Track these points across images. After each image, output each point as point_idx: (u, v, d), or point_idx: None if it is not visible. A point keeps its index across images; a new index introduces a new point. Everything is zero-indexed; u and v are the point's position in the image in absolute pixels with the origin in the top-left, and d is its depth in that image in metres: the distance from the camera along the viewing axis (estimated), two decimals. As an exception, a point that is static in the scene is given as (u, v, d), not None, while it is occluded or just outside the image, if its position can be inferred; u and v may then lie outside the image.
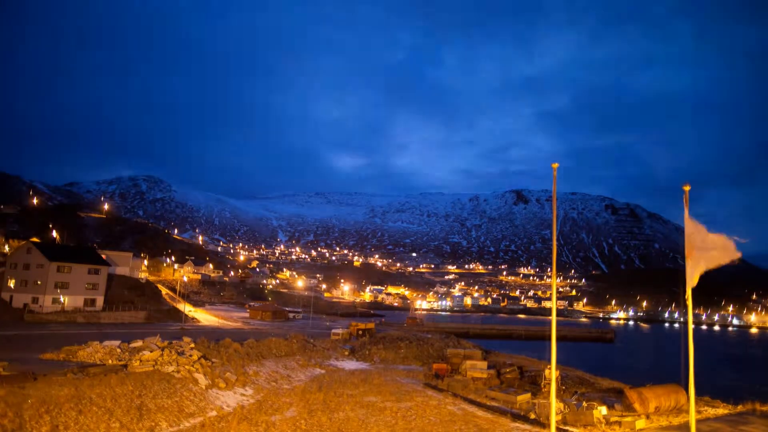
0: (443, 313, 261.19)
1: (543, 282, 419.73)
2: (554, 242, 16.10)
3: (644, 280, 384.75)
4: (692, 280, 11.98)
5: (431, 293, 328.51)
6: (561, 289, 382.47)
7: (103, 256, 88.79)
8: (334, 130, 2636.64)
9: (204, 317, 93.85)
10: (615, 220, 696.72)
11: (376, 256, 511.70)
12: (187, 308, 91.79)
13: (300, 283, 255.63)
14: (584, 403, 32.25)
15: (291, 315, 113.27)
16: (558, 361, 19.55)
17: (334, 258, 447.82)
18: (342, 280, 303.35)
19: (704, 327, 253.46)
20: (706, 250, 11.75)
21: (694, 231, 11.98)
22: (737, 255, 11.48)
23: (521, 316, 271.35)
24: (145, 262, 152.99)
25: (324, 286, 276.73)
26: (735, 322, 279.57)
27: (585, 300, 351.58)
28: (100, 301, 77.87)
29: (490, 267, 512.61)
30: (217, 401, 30.51)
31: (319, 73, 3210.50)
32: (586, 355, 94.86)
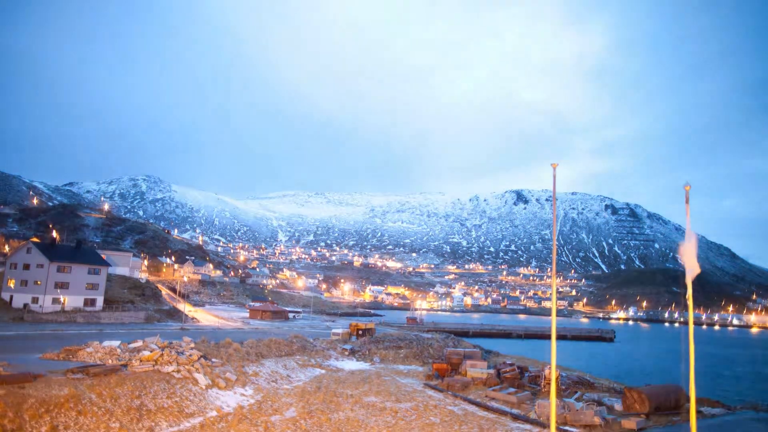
0: (443, 313, 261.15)
1: (543, 282, 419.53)
2: (554, 242, 16.09)
3: (644, 280, 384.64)
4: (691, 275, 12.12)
5: (431, 293, 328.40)
6: (561, 289, 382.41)
7: (103, 256, 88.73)
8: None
9: (204, 317, 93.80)
10: (615, 220, 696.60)
11: (376, 256, 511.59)
12: (187, 308, 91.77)
13: (300, 283, 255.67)
14: (584, 403, 32.26)
15: (291, 315, 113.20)
16: (558, 361, 19.52)
17: (334, 258, 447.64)
18: (342, 280, 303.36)
19: (704, 327, 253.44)
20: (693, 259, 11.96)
21: (690, 237, 12.12)
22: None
23: (521, 316, 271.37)
24: (145, 262, 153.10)
25: (324, 286, 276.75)
26: (735, 322, 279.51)
27: (585, 300, 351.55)
28: (100, 301, 77.82)
29: (490, 267, 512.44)
30: (217, 401, 30.49)
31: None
32: (586, 355, 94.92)
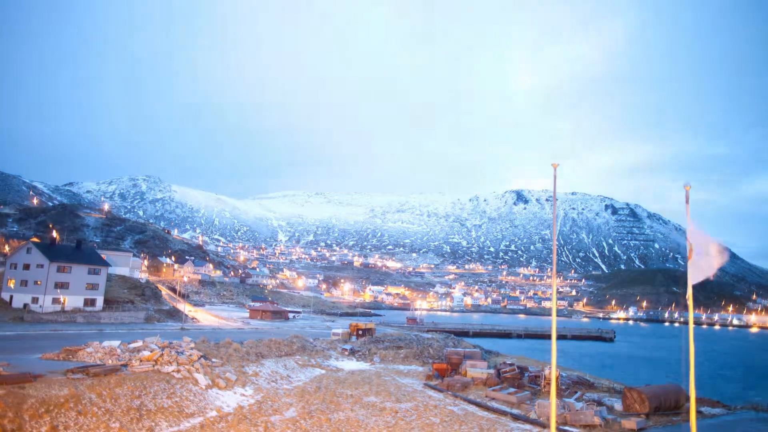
0: (443, 313, 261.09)
1: (543, 282, 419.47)
2: (554, 242, 16.10)
3: (644, 280, 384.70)
4: (693, 281, 12.08)
5: (431, 293, 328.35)
6: (561, 290, 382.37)
7: (103, 256, 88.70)
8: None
9: (204, 317, 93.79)
10: (615, 220, 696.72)
11: (376, 256, 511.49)
12: (187, 308, 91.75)
13: (300, 283, 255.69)
14: (584, 403, 32.27)
15: (291, 315, 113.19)
16: (558, 361, 19.52)
17: (334, 258, 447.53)
18: (342, 280, 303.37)
19: (704, 327, 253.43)
20: (706, 256, 11.90)
21: (695, 235, 12.06)
22: (725, 260, 12.05)
23: (521, 316, 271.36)
24: (145, 262, 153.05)
25: (324, 286, 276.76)
26: (735, 322, 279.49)
27: (585, 300, 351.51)
28: (100, 301, 77.80)
29: (490, 267, 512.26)
30: (216, 401, 30.49)
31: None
32: (586, 355, 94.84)
